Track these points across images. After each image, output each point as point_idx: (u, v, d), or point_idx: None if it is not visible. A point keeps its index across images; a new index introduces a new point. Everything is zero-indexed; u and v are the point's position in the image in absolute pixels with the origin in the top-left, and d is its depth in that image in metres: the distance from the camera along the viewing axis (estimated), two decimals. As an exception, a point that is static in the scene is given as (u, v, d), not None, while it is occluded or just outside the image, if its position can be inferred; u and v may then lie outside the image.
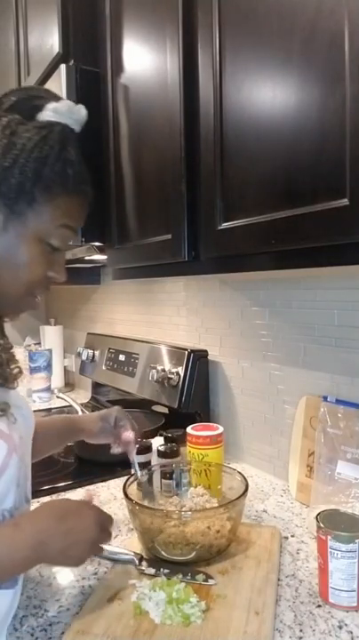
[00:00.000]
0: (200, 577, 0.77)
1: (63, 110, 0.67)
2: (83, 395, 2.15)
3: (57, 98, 0.69)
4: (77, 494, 1.13)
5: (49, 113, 0.66)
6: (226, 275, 1.19)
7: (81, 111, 0.69)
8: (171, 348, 1.47)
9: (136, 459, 0.96)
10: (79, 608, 0.73)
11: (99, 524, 0.70)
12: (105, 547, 0.86)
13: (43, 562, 0.67)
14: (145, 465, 1.09)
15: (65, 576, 0.82)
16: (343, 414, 0.99)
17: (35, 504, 1.07)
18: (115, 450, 0.96)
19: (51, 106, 0.66)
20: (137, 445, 0.97)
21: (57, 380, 2.29)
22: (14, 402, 0.71)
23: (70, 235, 0.70)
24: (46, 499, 1.10)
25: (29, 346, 2.32)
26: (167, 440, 1.19)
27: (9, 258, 0.65)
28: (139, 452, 1.10)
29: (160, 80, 0.98)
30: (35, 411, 2.02)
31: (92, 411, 1.76)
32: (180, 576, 0.77)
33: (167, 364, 1.44)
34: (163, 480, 1.01)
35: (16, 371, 0.72)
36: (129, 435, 0.95)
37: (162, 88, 0.97)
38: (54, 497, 1.12)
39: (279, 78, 0.71)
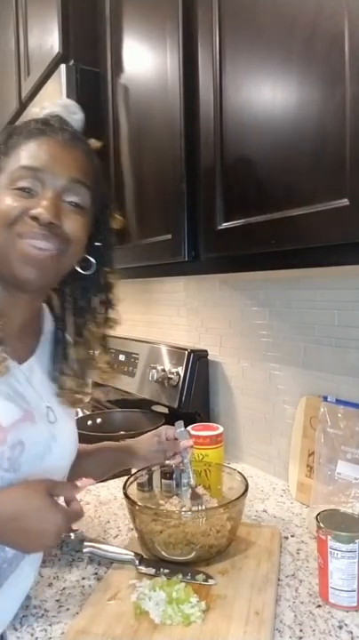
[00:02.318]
0: (200, 577, 0.77)
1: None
2: (83, 395, 2.15)
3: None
4: (77, 494, 1.13)
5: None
6: (226, 275, 1.19)
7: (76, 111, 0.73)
8: (171, 348, 1.47)
9: (190, 465, 0.94)
10: (79, 608, 0.73)
11: (58, 533, 0.63)
12: (104, 547, 0.87)
13: None
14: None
15: (65, 576, 0.82)
16: (343, 414, 0.99)
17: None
18: (172, 461, 0.94)
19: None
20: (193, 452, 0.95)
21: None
22: (60, 417, 0.71)
23: (35, 174, 0.66)
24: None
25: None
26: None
27: None
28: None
29: (160, 80, 0.98)
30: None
31: (92, 411, 1.77)
32: (180, 576, 0.77)
33: (167, 364, 1.44)
34: (163, 480, 1.01)
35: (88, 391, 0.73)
36: (189, 442, 0.93)
37: (162, 88, 0.97)
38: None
39: (279, 78, 0.71)
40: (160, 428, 0.98)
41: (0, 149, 0.68)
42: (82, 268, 0.74)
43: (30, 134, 0.67)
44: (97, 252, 0.75)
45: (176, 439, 0.94)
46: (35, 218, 0.64)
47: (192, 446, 0.94)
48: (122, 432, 0.97)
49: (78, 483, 0.69)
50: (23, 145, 0.67)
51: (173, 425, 0.96)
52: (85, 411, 1.77)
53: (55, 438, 0.71)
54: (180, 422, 0.96)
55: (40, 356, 0.74)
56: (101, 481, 1.20)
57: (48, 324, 0.78)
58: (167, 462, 0.96)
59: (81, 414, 1.69)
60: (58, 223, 0.66)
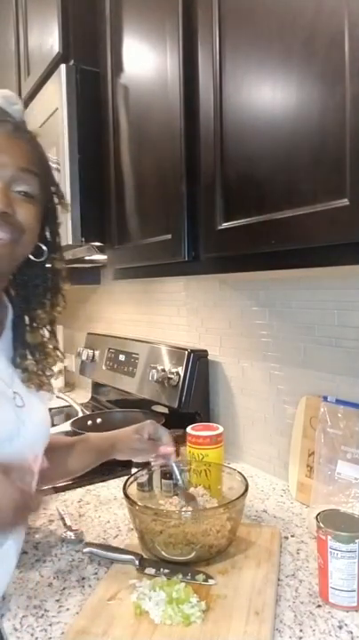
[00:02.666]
0: (200, 577, 0.77)
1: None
2: (83, 395, 2.15)
3: None
4: (77, 494, 1.13)
5: None
6: (226, 275, 1.19)
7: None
8: (171, 348, 1.47)
9: (176, 468, 0.95)
10: (79, 608, 0.73)
11: (13, 509, 0.59)
12: (104, 547, 0.87)
13: None
14: (145, 465, 1.09)
15: (65, 576, 0.82)
16: (343, 414, 0.99)
17: (35, 504, 1.08)
18: (155, 463, 0.95)
19: None
20: (178, 457, 0.95)
21: (57, 380, 2.29)
22: (29, 402, 0.73)
23: None
24: (45, 499, 1.11)
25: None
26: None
27: None
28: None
29: (160, 80, 0.98)
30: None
31: (92, 411, 1.78)
32: (180, 576, 0.77)
33: (167, 364, 1.44)
34: (163, 480, 1.01)
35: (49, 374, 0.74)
36: (168, 449, 0.93)
37: (162, 88, 0.97)
38: (54, 497, 1.12)
39: (279, 78, 0.71)
40: (144, 423, 0.96)
41: None
42: (34, 256, 0.75)
43: None
44: (47, 239, 0.77)
45: (157, 440, 0.94)
46: None
47: (172, 454, 0.94)
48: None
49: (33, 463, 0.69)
50: None
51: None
52: (86, 411, 1.77)
53: (24, 422, 0.71)
54: (152, 422, 0.97)
55: (2, 343, 0.75)
56: (101, 481, 1.20)
57: (7, 312, 0.79)
58: (152, 463, 0.96)
59: (81, 414, 1.70)
60: (10, 212, 0.66)
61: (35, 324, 0.78)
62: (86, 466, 0.94)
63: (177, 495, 0.98)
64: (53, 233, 0.78)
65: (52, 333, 0.80)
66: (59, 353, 0.81)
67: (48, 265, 0.78)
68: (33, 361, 0.76)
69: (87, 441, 0.96)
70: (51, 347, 0.79)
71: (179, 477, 0.94)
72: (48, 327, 0.80)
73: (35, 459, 0.70)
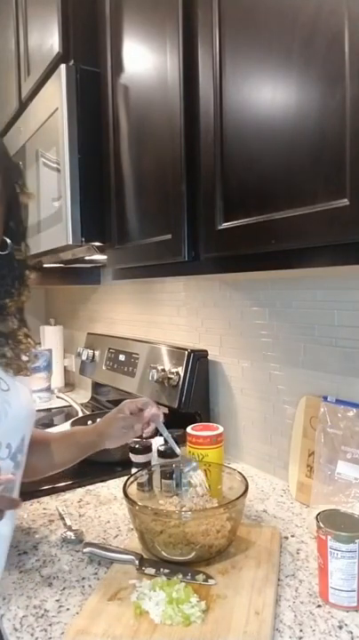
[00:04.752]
0: (200, 577, 0.77)
1: None
2: (83, 395, 2.15)
3: None
4: (77, 494, 1.14)
5: None
6: (226, 275, 1.19)
7: None
8: (171, 348, 1.47)
9: (166, 430, 0.94)
10: (79, 608, 0.73)
11: None
12: (104, 547, 0.87)
13: None
14: (145, 465, 1.09)
15: (65, 576, 0.82)
16: (343, 414, 0.99)
17: (35, 504, 1.08)
18: (146, 433, 0.93)
19: None
20: (163, 419, 0.95)
21: (57, 380, 2.29)
22: (12, 385, 0.75)
23: None
24: (45, 499, 1.11)
25: (29, 346, 2.32)
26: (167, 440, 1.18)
27: None
28: (139, 452, 1.11)
29: (160, 80, 0.98)
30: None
31: (92, 411, 1.78)
32: (180, 576, 0.77)
33: (167, 364, 1.44)
34: (163, 480, 1.01)
35: (25, 359, 0.76)
36: (152, 409, 0.93)
37: (162, 88, 0.97)
38: (54, 497, 1.12)
39: (279, 78, 0.71)
40: (122, 403, 0.96)
41: None
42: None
43: None
44: (11, 231, 0.78)
45: (141, 410, 0.94)
46: None
47: (159, 414, 0.93)
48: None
49: None
50: None
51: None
52: (86, 411, 1.78)
53: (10, 404, 0.74)
54: (128, 400, 0.96)
55: None
56: (101, 481, 1.20)
57: None
58: (144, 436, 0.95)
59: (81, 414, 1.70)
60: None
61: (4, 314, 0.79)
62: (72, 459, 0.96)
63: (177, 495, 0.99)
64: (17, 223, 0.79)
65: (22, 322, 0.82)
66: (30, 340, 0.82)
67: (14, 256, 0.79)
68: (8, 348, 0.78)
69: (73, 435, 0.98)
70: (22, 334, 0.81)
71: (172, 442, 0.94)
72: (17, 315, 0.81)
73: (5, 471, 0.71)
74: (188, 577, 0.77)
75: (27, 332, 0.82)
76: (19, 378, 0.79)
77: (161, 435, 0.97)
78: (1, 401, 0.73)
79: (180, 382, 1.36)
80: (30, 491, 1.09)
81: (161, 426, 0.94)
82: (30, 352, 0.82)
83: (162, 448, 1.14)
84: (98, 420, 1.56)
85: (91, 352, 1.94)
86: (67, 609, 0.74)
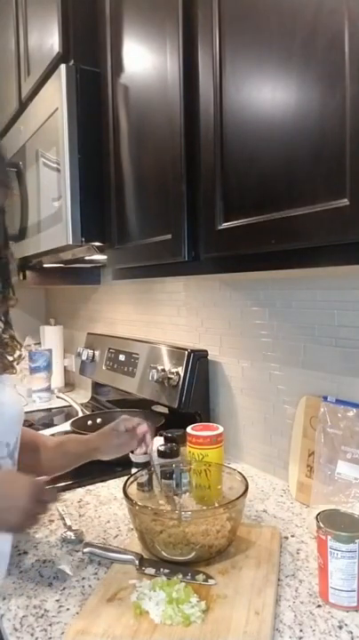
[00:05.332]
0: (200, 577, 0.77)
1: None
2: (83, 395, 2.15)
3: None
4: (77, 494, 1.13)
5: None
6: (226, 275, 1.19)
7: None
8: (171, 348, 1.47)
9: (155, 453, 0.96)
10: (79, 608, 0.73)
11: (34, 495, 0.70)
12: (104, 547, 0.87)
13: None
14: (145, 465, 1.09)
15: (65, 576, 0.82)
16: (343, 414, 0.99)
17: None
18: (139, 451, 0.97)
19: None
20: (155, 436, 0.98)
21: (57, 380, 2.29)
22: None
23: None
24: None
25: (29, 346, 2.32)
26: (167, 440, 1.19)
27: None
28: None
29: (160, 80, 0.98)
30: (35, 411, 2.01)
31: (92, 411, 1.78)
32: (180, 576, 0.77)
33: (167, 364, 1.44)
34: (163, 480, 1.01)
35: (11, 359, 0.77)
36: (143, 427, 0.96)
37: (162, 88, 0.97)
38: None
39: (279, 78, 0.71)
40: (118, 420, 0.98)
41: None
42: None
43: None
44: None
45: (134, 428, 0.96)
46: None
47: (152, 432, 0.96)
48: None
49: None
50: None
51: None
52: (86, 411, 1.78)
53: (3, 403, 0.76)
54: (125, 416, 0.99)
55: None
56: (101, 481, 1.20)
57: None
58: (137, 453, 0.98)
59: (81, 414, 1.70)
60: None
61: None
62: (62, 468, 0.98)
63: (177, 495, 0.98)
64: (0, 226, 0.80)
65: (7, 324, 0.82)
66: (16, 342, 0.84)
67: None
68: None
69: (65, 444, 0.99)
70: (7, 336, 0.82)
71: (153, 461, 0.98)
72: (2, 318, 0.82)
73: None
74: (188, 577, 0.77)
75: (13, 333, 0.83)
76: (3, 378, 0.80)
77: (161, 435, 0.98)
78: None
79: (180, 382, 1.36)
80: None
81: (148, 444, 0.97)
82: (16, 353, 0.82)
83: (162, 448, 1.14)
84: (98, 420, 1.57)
85: (91, 352, 1.94)
86: (67, 609, 0.74)
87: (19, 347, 0.84)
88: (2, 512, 0.69)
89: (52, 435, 1.38)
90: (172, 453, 1.13)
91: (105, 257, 1.32)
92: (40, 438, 0.99)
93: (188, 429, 1.12)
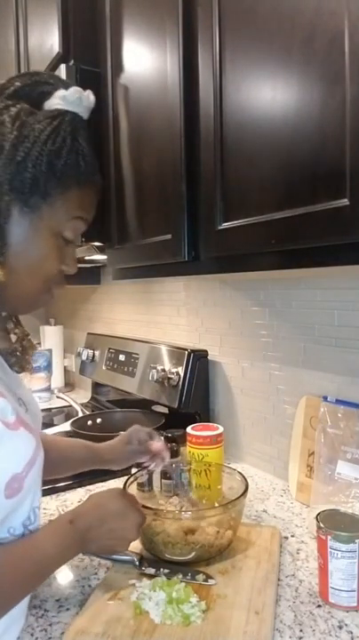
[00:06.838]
0: (200, 577, 0.77)
1: (73, 98, 0.64)
2: (83, 395, 2.15)
3: (65, 84, 0.66)
4: (77, 494, 1.13)
5: (57, 101, 0.64)
6: (226, 275, 1.19)
7: (89, 98, 0.66)
8: (171, 348, 1.47)
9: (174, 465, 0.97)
10: (79, 608, 0.73)
11: (138, 527, 0.75)
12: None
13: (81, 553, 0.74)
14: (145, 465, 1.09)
15: (65, 576, 0.82)
16: (343, 414, 0.99)
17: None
18: (152, 466, 0.96)
19: (59, 93, 0.64)
20: (169, 452, 0.97)
21: (57, 380, 2.29)
22: (26, 398, 0.74)
23: (82, 226, 0.68)
24: (45, 499, 1.10)
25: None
26: (167, 440, 1.18)
27: (24, 253, 0.63)
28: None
29: (160, 80, 0.98)
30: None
31: (92, 411, 1.78)
32: (180, 576, 0.77)
33: (167, 364, 1.44)
34: (163, 480, 1.01)
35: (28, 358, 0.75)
36: (159, 445, 0.95)
37: (162, 88, 0.97)
38: (54, 497, 1.12)
39: (279, 78, 0.71)
40: (129, 431, 0.97)
41: (40, 188, 0.62)
42: None
43: (80, 181, 0.64)
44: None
45: (147, 441, 0.95)
46: (64, 272, 0.70)
47: (167, 449, 0.95)
48: (122, 432, 0.98)
49: None
50: (76, 190, 0.64)
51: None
52: (86, 411, 1.77)
53: (29, 402, 0.75)
54: (137, 427, 0.98)
55: None
56: (101, 481, 1.20)
57: None
58: (146, 466, 0.97)
59: (81, 414, 1.70)
60: None
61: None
62: (68, 471, 0.97)
63: (177, 495, 0.98)
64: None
65: (19, 323, 0.79)
66: (30, 338, 0.80)
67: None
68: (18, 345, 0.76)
69: (76, 449, 0.96)
70: (22, 336, 0.78)
71: (178, 477, 0.96)
72: (13, 319, 0.79)
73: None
74: (188, 577, 0.77)
75: (27, 332, 0.82)
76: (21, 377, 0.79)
77: (161, 435, 0.97)
78: (30, 399, 0.75)
79: (180, 382, 1.36)
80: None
81: (166, 459, 0.96)
82: (32, 352, 0.81)
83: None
84: (98, 420, 1.57)
85: (91, 352, 1.94)
86: (67, 609, 0.74)
87: (34, 346, 0.81)
88: (112, 542, 0.74)
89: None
90: (172, 453, 1.13)
91: (105, 257, 1.33)
92: (46, 438, 0.98)
93: (188, 429, 1.12)
